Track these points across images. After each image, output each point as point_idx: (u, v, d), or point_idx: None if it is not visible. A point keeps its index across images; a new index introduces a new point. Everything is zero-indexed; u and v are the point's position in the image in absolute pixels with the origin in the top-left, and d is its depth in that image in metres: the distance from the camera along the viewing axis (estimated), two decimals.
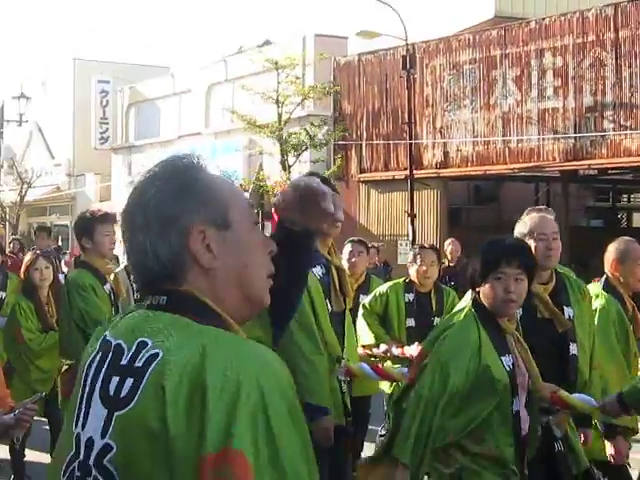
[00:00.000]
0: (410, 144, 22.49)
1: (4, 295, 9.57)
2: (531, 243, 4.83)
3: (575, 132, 21.21)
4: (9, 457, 9.19)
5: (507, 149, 22.53)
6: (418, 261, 7.90)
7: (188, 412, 1.81)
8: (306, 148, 23.98)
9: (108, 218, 6.74)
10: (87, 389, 1.98)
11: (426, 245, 8.53)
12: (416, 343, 7.33)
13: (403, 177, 23.04)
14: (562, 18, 21.57)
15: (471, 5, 25.67)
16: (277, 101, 24.01)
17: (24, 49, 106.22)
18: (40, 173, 37.79)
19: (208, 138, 30.99)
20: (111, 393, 1.91)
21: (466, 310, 4.37)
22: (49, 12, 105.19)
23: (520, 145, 22.31)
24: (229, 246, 2.05)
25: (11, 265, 11.52)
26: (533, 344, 4.56)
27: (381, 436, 8.26)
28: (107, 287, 6.69)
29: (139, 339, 1.93)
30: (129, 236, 2.07)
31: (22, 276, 8.31)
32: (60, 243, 34.57)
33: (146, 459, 1.83)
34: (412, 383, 4.44)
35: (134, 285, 7.47)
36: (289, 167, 23.78)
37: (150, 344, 1.91)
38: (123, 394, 1.88)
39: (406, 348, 7.57)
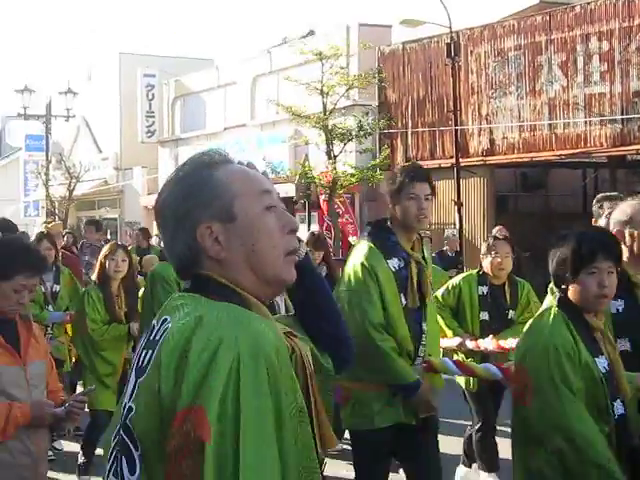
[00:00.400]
0: (456, 132, 22.44)
1: (58, 288, 9.61)
2: (631, 231, 4.71)
3: (622, 117, 21.03)
4: (63, 448, 9.35)
5: (554, 135, 22.39)
6: (492, 253, 7.69)
7: (175, 373, 2.04)
8: (352, 138, 23.97)
9: None
10: (135, 364, 2.24)
11: (499, 236, 8.36)
12: (490, 336, 7.32)
13: (449, 165, 22.99)
14: (607, 2, 21.36)
15: None
16: (322, 91, 24.02)
17: (70, 45, 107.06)
18: (88, 167, 38.07)
19: (254, 130, 31.09)
20: (140, 364, 2.17)
21: (553, 311, 4.17)
22: (94, 7, 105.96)
23: (567, 131, 22.16)
24: (235, 236, 2.25)
25: (64, 259, 11.49)
26: (638, 339, 4.50)
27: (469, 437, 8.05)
28: None
29: (163, 317, 2.19)
30: (160, 230, 2.36)
31: (98, 265, 8.24)
32: (109, 236, 34.91)
33: (148, 416, 2.09)
34: (522, 403, 4.14)
35: None
36: (335, 157, 23.80)
37: (168, 319, 2.16)
38: (144, 364, 2.15)
39: (480, 341, 7.42)
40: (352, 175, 23.72)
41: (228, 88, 33.50)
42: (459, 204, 22.20)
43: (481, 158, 23.66)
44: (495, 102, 23.57)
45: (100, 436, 7.72)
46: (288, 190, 25.50)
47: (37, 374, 4.94)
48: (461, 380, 7.59)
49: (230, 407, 1.99)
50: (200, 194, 2.27)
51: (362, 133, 24.00)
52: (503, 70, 23.32)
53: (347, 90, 24.36)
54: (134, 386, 2.16)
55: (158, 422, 2.06)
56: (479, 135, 23.88)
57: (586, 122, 21.71)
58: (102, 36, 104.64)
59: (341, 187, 23.52)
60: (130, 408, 2.15)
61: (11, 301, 4.87)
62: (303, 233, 9.91)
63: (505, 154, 23.32)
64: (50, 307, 9.32)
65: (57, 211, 37.22)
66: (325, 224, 25.05)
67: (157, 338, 2.14)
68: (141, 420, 2.11)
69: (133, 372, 2.20)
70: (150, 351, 2.14)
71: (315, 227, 22.87)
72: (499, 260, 7.68)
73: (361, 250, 5.42)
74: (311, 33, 32.48)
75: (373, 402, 5.38)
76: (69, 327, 9.16)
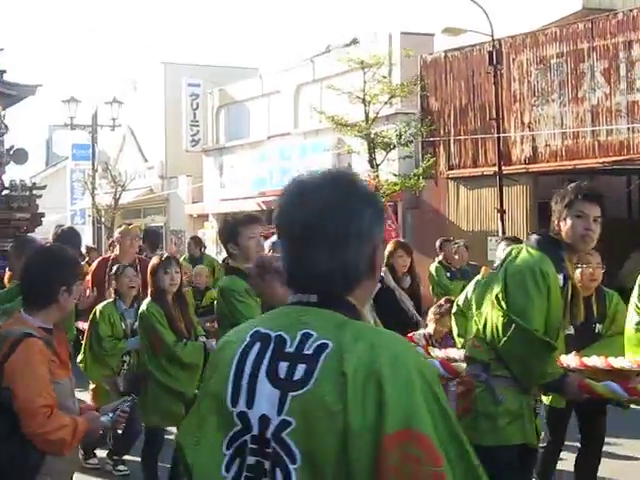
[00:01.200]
0: (498, 140, 22.45)
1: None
2: None
3: None
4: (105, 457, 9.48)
5: (597, 142, 22.33)
6: (583, 263, 7.09)
7: (364, 395, 2.12)
8: (394, 146, 24.05)
9: (253, 220, 6.66)
10: (246, 374, 2.28)
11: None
12: (573, 353, 6.65)
13: (492, 173, 22.98)
14: None
15: None
16: (364, 100, 24.12)
17: (114, 55, 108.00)
18: (134, 176, 38.41)
19: (297, 138, 31.24)
20: (282, 376, 2.22)
21: None
22: (138, 18, 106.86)
23: (610, 138, 22.09)
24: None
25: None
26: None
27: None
28: None
29: (302, 331, 2.25)
30: (300, 243, 2.32)
31: (151, 279, 7.91)
32: None
33: (323, 432, 2.15)
34: None
35: None
36: (377, 165, 23.89)
37: (315, 335, 2.23)
38: (297, 377, 2.20)
39: (562, 357, 6.65)
40: (395, 183, 23.79)
41: (272, 97, 33.67)
42: (502, 212, 22.20)
43: (524, 166, 23.63)
44: (538, 109, 23.54)
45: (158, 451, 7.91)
46: None
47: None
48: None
49: (444, 427, 2.16)
50: (377, 215, 2.39)
51: (404, 141, 24.06)
52: (545, 77, 23.29)
53: (389, 99, 24.45)
54: (280, 398, 2.20)
55: (335, 441, 2.13)
56: (522, 143, 23.86)
57: (629, 129, 21.63)
58: (146, 46, 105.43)
59: (384, 195, 23.61)
60: (284, 422, 2.19)
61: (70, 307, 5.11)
62: None
63: (548, 162, 23.28)
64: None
65: (103, 219, 37.61)
66: None
67: (307, 352, 2.20)
68: (307, 436, 2.17)
69: (264, 383, 2.23)
70: (300, 364, 2.20)
71: None
72: (591, 271, 7.27)
73: (531, 256, 5.31)
74: (354, 42, 32.58)
75: (500, 416, 5.33)
76: None
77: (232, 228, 6.60)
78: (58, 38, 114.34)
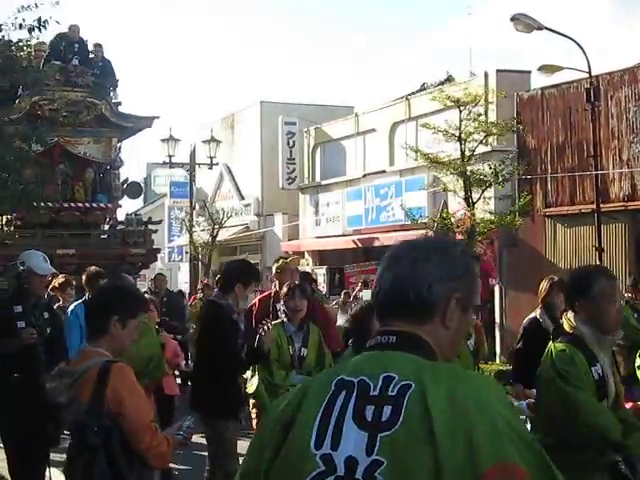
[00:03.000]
0: (596, 177, 22.22)
1: (305, 352, 8.94)
2: None
3: None
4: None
5: None
6: None
7: (452, 432, 2.22)
8: (490, 184, 23.95)
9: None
10: (332, 419, 2.36)
11: None
12: None
13: (589, 211, 22.73)
14: None
15: None
16: (459, 138, 24.09)
17: (213, 95, 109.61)
18: (230, 214, 38.88)
19: (393, 176, 31.27)
20: (369, 419, 2.32)
21: None
22: (236, 56, 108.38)
23: None
24: (462, 321, 2.59)
25: (321, 313, 10.77)
26: None
27: None
28: None
29: (384, 374, 2.37)
30: (399, 279, 2.56)
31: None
32: None
33: (415, 470, 2.23)
34: None
35: None
36: (473, 203, 23.81)
37: (397, 377, 2.34)
38: (384, 418, 2.30)
39: None
40: (491, 221, 23.69)
41: (367, 135, 33.83)
42: (600, 250, 21.93)
43: (622, 203, 23.34)
44: (636, 146, 23.25)
45: None
46: None
47: None
48: None
49: (526, 453, 2.26)
50: (464, 271, 2.60)
51: (500, 179, 23.95)
52: None
53: (485, 137, 24.38)
54: (369, 440, 2.29)
55: (428, 477, 2.23)
56: (620, 180, 23.58)
57: None
58: (244, 85, 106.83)
59: (480, 234, 23.49)
60: (376, 462, 2.27)
61: (128, 342, 5.27)
62: None
63: None
64: (294, 372, 8.75)
65: (200, 256, 38.06)
66: None
67: (391, 394, 2.32)
68: (399, 474, 2.25)
69: (350, 426, 2.32)
70: (386, 406, 2.31)
71: None
72: None
73: None
74: (449, 79, 32.63)
75: None
76: None
77: None
78: (157, 79, 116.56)
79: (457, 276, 2.55)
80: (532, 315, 8.94)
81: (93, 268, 10.67)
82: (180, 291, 24.50)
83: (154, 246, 19.40)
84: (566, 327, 5.32)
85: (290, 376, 8.64)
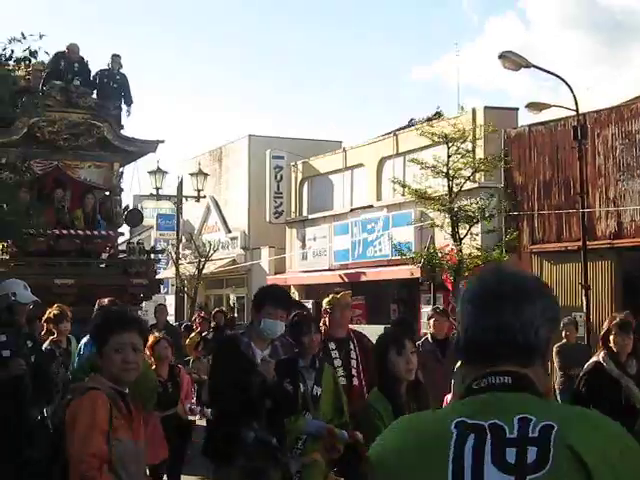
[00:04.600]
0: (583, 215, 22.27)
1: (319, 391, 8.02)
2: None
3: None
4: None
5: None
6: None
7: (603, 474, 2.24)
8: (477, 220, 24.00)
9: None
10: (467, 465, 2.32)
11: None
12: None
13: (576, 248, 22.76)
14: None
15: None
16: (447, 174, 24.15)
17: (201, 128, 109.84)
18: (217, 247, 38.84)
19: (380, 211, 31.33)
20: (512, 462, 2.29)
21: None
22: (223, 91, 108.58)
23: None
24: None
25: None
26: None
27: None
28: None
29: (518, 416, 2.35)
30: (505, 321, 2.51)
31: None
32: (236, 315, 35.45)
33: None
34: None
35: None
36: (460, 239, 23.84)
37: (534, 419, 2.33)
38: (530, 460, 2.27)
39: None
40: (477, 257, 23.70)
41: (355, 170, 33.93)
42: (586, 287, 21.94)
43: (609, 241, 23.40)
44: (623, 184, 23.35)
45: None
46: (414, 272, 25.57)
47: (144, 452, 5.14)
48: None
49: None
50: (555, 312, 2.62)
51: (487, 215, 24.01)
52: (631, 152, 23.13)
53: (472, 173, 24.45)
54: None
55: None
56: (606, 218, 23.65)
57: None
58: (232, 119, 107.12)
59: (467, 269, 23.50)
60: None
61: (116, 363, 5.04)
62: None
63: (634, 237, 23.02)
64: (308, 415, 7.69)
65: (186, 289, 37.98)
66: (451, 306, 24.99)
67: (533, 435, 2.29)
68: None
69: (491, 472, 2.29)
70: (530, 448, 2.29)
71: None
72: None
73: None
74: (437, 115, 32.74)
75: None
76: None
77: None
78: (146, 112, 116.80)
79: (554, 318, 2.57)
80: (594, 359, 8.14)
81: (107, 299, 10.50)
82: (180, 324, 23.79)
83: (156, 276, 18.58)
84: None
85: (302, 420, 7.57)
